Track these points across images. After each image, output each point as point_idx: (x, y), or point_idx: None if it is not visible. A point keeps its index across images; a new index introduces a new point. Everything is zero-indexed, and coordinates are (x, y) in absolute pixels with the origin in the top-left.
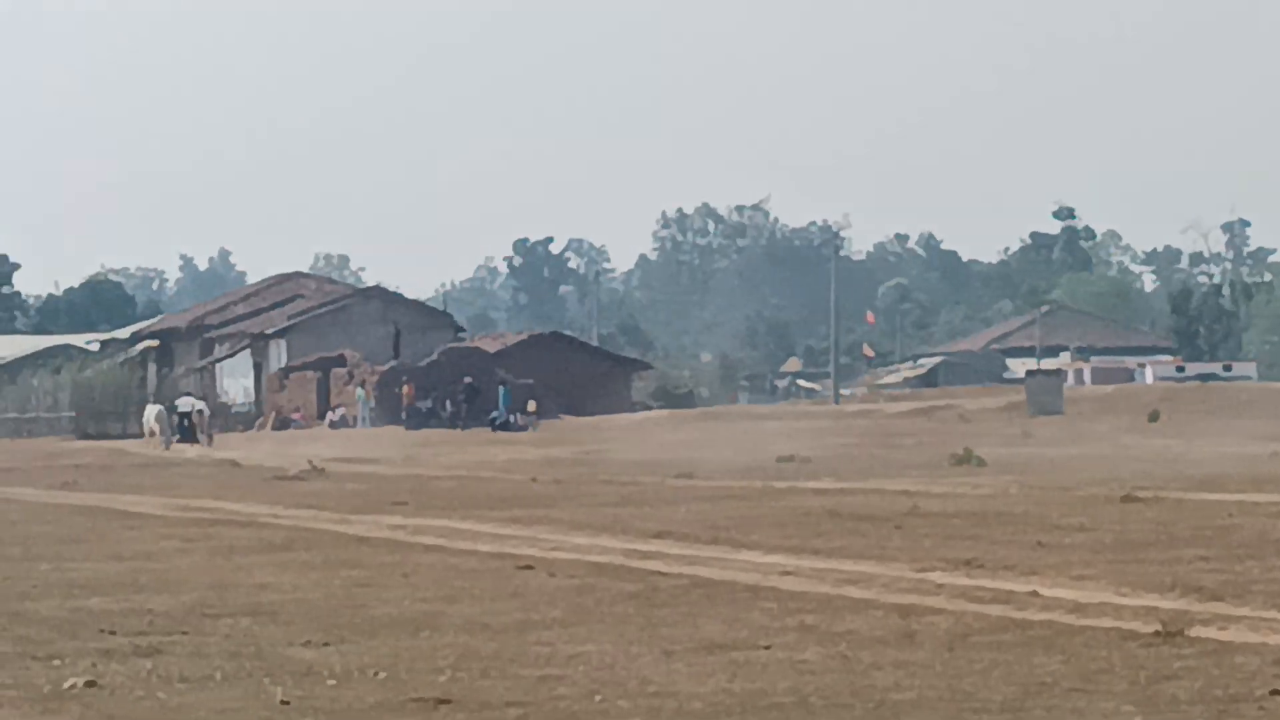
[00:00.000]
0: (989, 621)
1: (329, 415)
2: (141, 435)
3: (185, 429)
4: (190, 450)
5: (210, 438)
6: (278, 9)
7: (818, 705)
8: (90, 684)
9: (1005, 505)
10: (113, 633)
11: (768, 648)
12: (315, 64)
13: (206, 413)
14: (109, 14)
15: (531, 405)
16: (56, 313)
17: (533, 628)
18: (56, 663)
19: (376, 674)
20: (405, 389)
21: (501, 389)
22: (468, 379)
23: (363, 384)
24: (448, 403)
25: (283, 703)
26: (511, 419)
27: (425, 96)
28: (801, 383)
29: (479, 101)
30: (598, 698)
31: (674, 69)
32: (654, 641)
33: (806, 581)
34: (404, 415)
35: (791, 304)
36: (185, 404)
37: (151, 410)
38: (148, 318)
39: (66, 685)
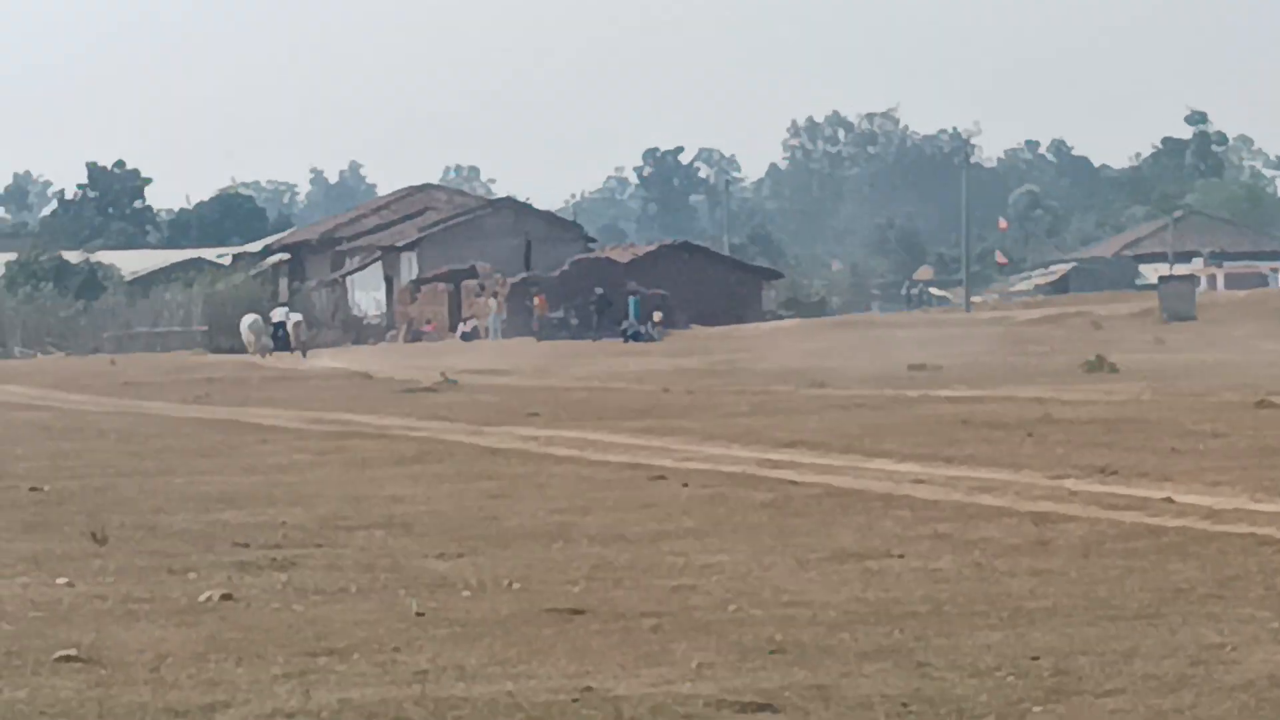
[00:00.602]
0: (1123, 528)
1: (460, 327)
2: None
3: (280, 338)
4: (285, 359)
5: (305, 347)
6: None
7: (952, 614)
8: (226, 597)
9: (1138, 412)
10: (247, 545)
11: (901, 556)
12: None
13: (302, 322)
14: None
15: (657, 315)
16: (188, 227)
17: (666, 538)
18: (192, 576)
19: (510, 585)
20: (537, 300)
21: (632, 300)
22: (599, 290)
23: (494, 295)
24: (576, 313)
25: (418, 614)
26: (643, 329)
27: (555, 6)
28: (933, 290)
29: (606, 11)
30: (731, 607)
31: None
32: (787, 551)
33: (939, 490)
34: (535, 326)
35: (922, 212)
36: (279, 314)
37: (246, 320)
38: (279, 231)
39: (202, 598)
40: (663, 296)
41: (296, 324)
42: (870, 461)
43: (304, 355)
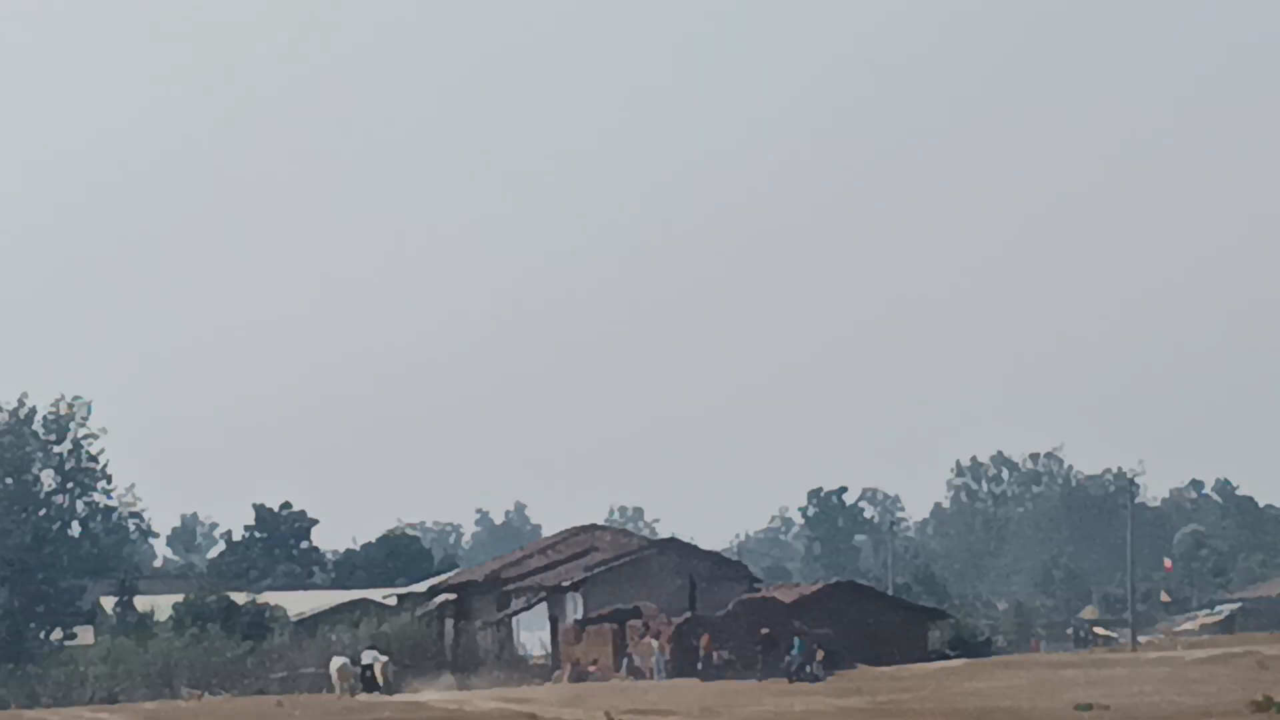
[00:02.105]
0: None
1: (625, 663)
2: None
3: (368, 679)
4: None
5: (391, 687)
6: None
7: None
8: None
9: None
10: None
11: None
12: (611, 328)
13: (388, 663)
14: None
15: (820, 654)
16: (354, 567)
17: None
18: None
19: None
20: (703, 640)
21: (796, 640)
22: (764, 630)
23: (657, 635)
24: (740, 652)
25: None
26: (807, 668)
27: (713, 347)
28: (1098, 630)
29: (766, 351)
30: None
31: (967, 326)
32: None
33: None
34: (699, 666)
35: (1087, 551)
36: (368, 656)
37: (336, 662)
38: (444, 571)
39: None
40: (828, 636)
41: (383, 665)
42: None
43: (389, 695)
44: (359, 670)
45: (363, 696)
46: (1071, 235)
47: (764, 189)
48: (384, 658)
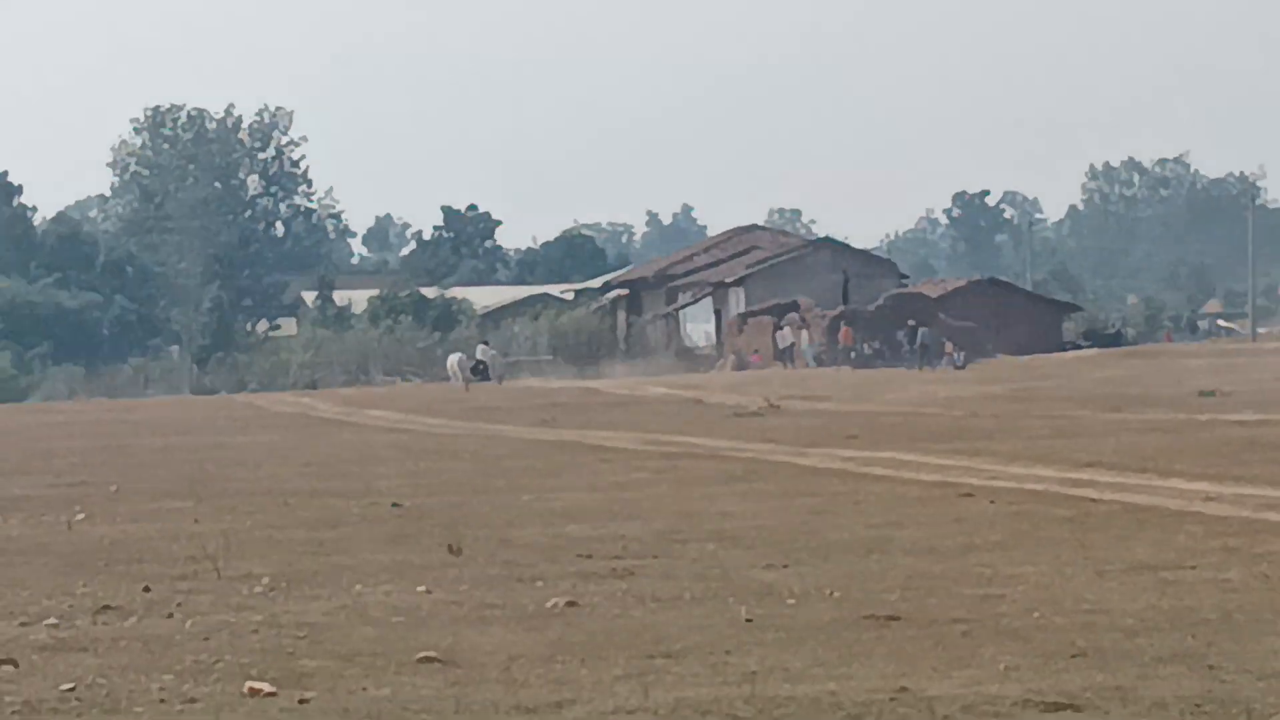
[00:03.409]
0: None
1: (778, 344)
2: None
3: (480, 371)
4: (483, 388)
5: (500, 379)
6: None
7: (1241, 621)
8: (570, 604)
9: None
10: (589, 557)
11: (1193, 568)
12: (761, 29)
13: (497, 355)
14: None
15: (948, 346)
16: (534, 265)
17: (974, 550)
18: (540, 584)
19: (831, 593)
20: (842, 331)
21: (922, 330)
22: (911, 321)
23: (804, 327)
24: (887, 343)
25: (747, 620)
26: (955, 358)
27: (874, 62)
28: (1221, 323)
29: (919, 65)
30: (1035, 614)
31: (1102, 37)
32: (1087, 562)
33: (1229, 507)
34: (851, 356)
35: (1211, 249)
36: (481, 352)
37: (453, 357)
38: (617, 269)
39: (549, 605)
40: (970, 328)
41: (493, 358)
42: (1164, 480)
43: (500, 383)
44: (473, 363)
45: (474, 386)
46: None
47: None
48: (493, 351)
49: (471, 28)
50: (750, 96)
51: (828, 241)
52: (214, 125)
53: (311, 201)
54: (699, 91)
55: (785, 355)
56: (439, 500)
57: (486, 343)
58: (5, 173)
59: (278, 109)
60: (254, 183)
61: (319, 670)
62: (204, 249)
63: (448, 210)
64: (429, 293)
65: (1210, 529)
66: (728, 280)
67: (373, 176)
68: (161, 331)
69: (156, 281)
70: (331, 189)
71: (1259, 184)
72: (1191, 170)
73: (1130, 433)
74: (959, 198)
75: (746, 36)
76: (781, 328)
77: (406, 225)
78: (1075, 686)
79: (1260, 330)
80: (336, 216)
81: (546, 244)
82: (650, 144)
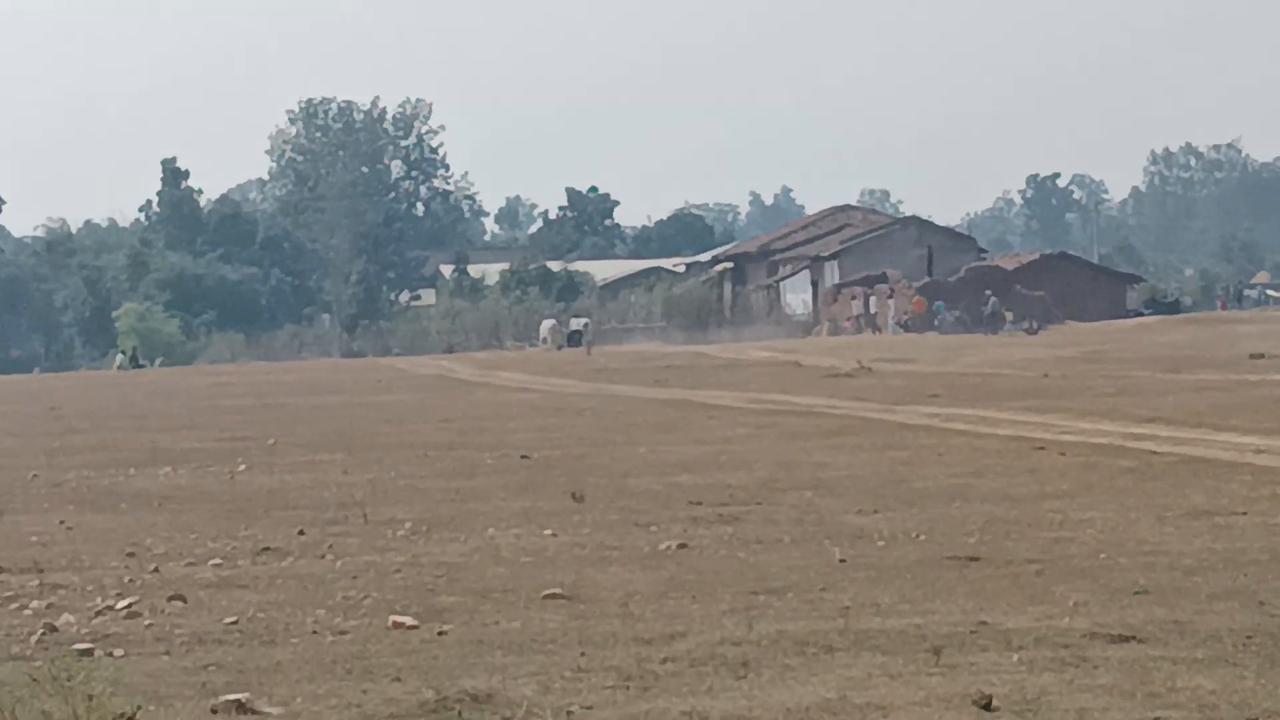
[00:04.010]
0: None
1: (869, 319)
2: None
3: (573, 337)
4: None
5: (590, 347)
6: None
7: None
8: (682, 546)
9: None
10: (699, 504)
11: (1245, 514)
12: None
13: (589, 324)
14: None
15: (1008, 315)
16: (649, 240)
17: (1046, 498)
18: (654, 528)
19: (917, 536)
20: (914, 301)
21: (991, 300)
22: (988, 292)
23: (890, 297)
24: (967, 312)
25: (840, 560)
26: (1030, 325)
27: (958, 56)
28: (1270, 292)
29: (1000, 61)
30: (1101, 555)
31: (1169, 35)
32: (1148, 509)
33: (1277, 458)
34: (935, 323)
35: (1261, 226)
36: (576, 322)
37: (546, 324)
38: (723, 244)
39: (663, 547)
40: (1042, 297)
41: (585, 326)
42: (1218, 434)
43: (589, 352)
44: (567, 331)
45: (566, 351)
46: None
47: None
48: (587, 320)
49: (599, 29)
50: (847, 93)
51: (914, 219)
52: (361, 116)
53: (449, 184)
54: (798, 79)
55: (872, 322)
56: (563, 453)
57: (586, 316)
58: (174, 159)
59: (419, 101)
60: (397, 167)
61: (456, 605)
62: (352, 227)
63: (571, 192)
64: (554, 266)
65: (1260, 478)
66: (823, 254)
67: (504, 161)
68: (314, 301)
69: (309, 257)
70: (467, 173)
71: None
72: (1243, 155)
73: (1187, 392)
74: (1032, 180)
75: (845, 44)
76: (869, 297)
77: (534, 205)
78: (1138, 620)
79: None
80: (471, 198)
81: (660, 222)
82: (753, 132)
